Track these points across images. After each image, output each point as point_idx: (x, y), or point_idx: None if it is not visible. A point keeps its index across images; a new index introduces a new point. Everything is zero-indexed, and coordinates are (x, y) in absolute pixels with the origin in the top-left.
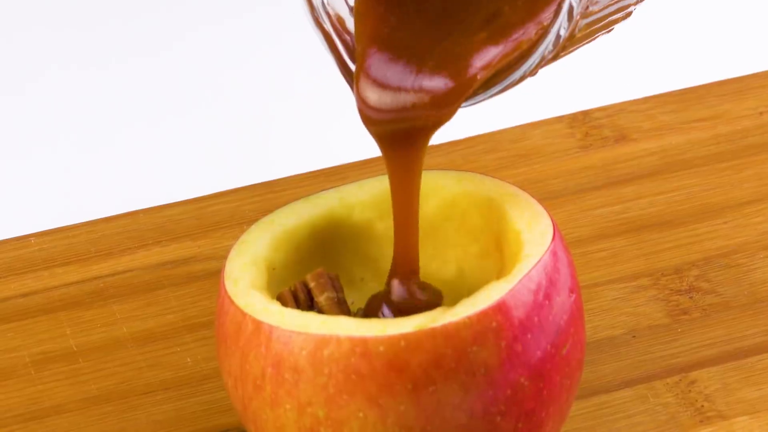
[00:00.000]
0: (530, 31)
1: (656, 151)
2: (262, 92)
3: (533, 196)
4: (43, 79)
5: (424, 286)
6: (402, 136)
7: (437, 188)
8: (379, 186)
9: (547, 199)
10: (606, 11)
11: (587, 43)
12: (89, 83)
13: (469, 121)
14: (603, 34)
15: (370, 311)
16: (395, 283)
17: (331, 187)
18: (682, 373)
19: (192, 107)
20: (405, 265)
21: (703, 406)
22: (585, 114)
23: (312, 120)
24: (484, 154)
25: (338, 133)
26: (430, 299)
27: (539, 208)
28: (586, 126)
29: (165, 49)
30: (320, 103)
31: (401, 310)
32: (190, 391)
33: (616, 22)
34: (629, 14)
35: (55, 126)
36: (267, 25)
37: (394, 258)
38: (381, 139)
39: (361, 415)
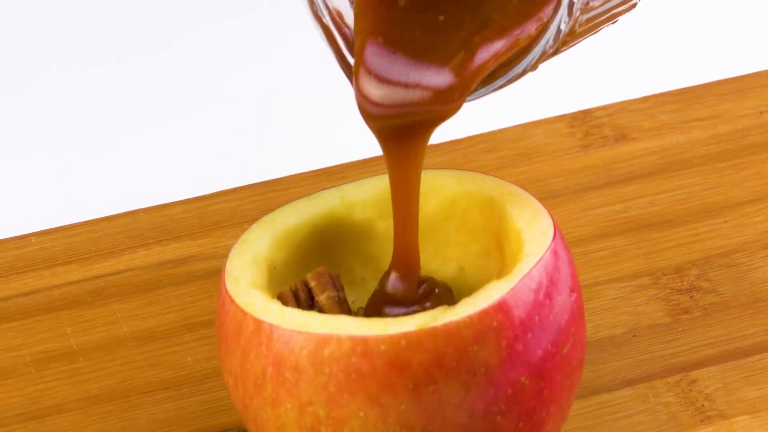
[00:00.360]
0: (530, 27)
1: (656, 151)
2: (262, 91)
3: (534, 196)
4: (43, 79)
5: (423, 283)
6: (403, 130)
7: (438, 187)
8: (380, 185)
9: (548, 198)
10: (608, 5)
11: (591, 35)
12: (90, 83)
13: (469, 120)
14: (607, 25)
15: (371, 307)
16: (391, 278)
17: (332, 186)
18: (683, 373)
19: (192, 106)
20: (405, 263)
21: (703, 405)
22: (585, 113)
23: (312, 119)
24: (485, 153)
25: (339, 132)
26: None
27: (540, 208)
28: (587, 125)
29: (165, 49)
30: (321, 102)
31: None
32: (191, 390)
33: (620, 14)
34: (634, 5)
35: (55, 125)
36: (267, 25)
37: (394, 256)
38: (381, 134)
39: (361, 414)
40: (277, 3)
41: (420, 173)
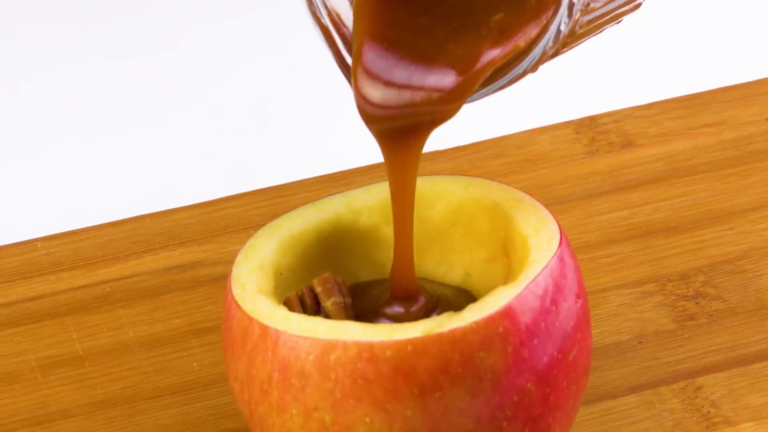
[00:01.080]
0: (530, 28)
1: (662, 157)
2: (268, 96)
3: (540, 202)
4: (48, 83)
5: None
6: (403, 132)
7: (444, 193)
8: (386, 191)
9: (554, 204)
10: (610, 6)
11: (594, 35)
12: (95, 87)
13: (475, 127)
14: (611, 26)
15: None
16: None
17: (338, 192)
18: (689, 379)
19: (199, 111)
20: (402, 261)
21: (709, 412)
22: (591, 119)
23: (319, 125)
24: (491, 159)
25: (345, 138)
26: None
27: (546, 214)
28: (593, 131)
29: (172, 52)
30: (327, 107)
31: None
32: (197, 395)
33: (624, 14)
34: (638, 6)
35: (61, 130)
36: (274, 29)
37: (394, 254)
38: (380, 136)
39: (367, 420)
40: (279, 4)
41: (416, 174)
